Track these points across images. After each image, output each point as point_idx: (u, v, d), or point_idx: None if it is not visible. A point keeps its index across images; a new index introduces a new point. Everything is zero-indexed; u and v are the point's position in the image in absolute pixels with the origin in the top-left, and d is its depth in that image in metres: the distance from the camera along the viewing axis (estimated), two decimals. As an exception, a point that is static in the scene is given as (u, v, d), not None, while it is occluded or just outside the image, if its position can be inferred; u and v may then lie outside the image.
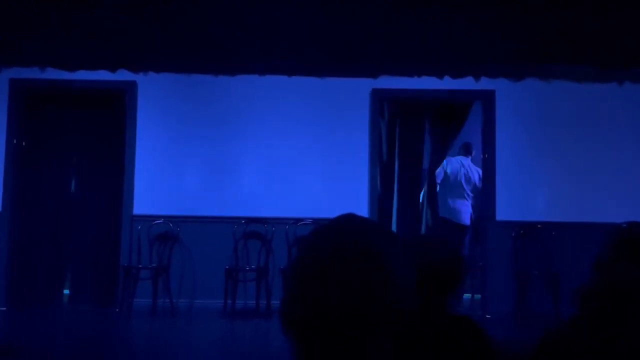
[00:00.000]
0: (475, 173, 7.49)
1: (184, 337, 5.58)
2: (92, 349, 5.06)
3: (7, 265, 6.52)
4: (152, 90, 6.79)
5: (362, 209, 6.57)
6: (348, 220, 0.93)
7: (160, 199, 6.70)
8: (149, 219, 6.64)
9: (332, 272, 0.86)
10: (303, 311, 0.87)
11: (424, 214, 7.42)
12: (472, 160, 7.62)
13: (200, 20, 5.71)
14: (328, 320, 0.85)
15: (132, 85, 6.78)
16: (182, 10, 5.53)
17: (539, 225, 6.64)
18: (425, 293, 1.60)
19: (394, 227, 7.13)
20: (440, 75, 6.78)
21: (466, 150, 7.58)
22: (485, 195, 6.95)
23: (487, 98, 6.85)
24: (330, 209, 5.83)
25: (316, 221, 6.42)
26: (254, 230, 6.72)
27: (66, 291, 7.01)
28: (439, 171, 7.44)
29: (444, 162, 7.48)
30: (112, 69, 6.71)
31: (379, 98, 6.93)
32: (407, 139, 7.31)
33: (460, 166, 7.49)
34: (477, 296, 6.85)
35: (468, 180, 7.48)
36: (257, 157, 6.78)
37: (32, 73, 6.70)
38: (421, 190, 7.49)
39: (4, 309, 6.43)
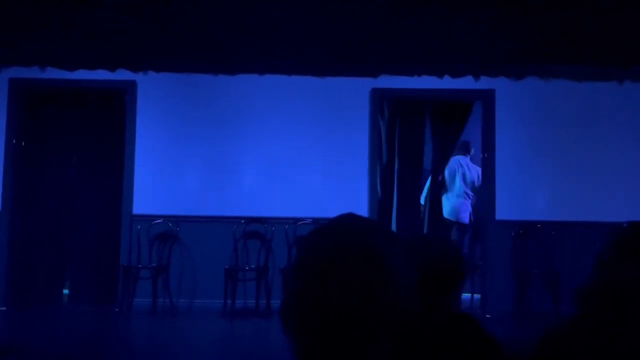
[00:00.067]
0: (474, 172, 7.48)
1: (183, 337, 5.57)
2: (92, 349, 5.06)
3: (7, 265, 6.52)
4: (152, 89, 6.79)
5: (362, 209, 6.57)
6: (348, 220, 0.93)
7: (160, 199, 6.70)
8: (148, 218, 6.64)
9: (332, 272, 0.86)
10: (303, 311, 0.87)
11: (426, 214, 7.42)
12: (471, 159, 7.61)
13: (200, 20, 5.71)
14: (328, 320, 0.85)
15: (132, 84, 6.78)
16: (182, 10, 5.53)
17: (538, 225, 6.64)
18: (426, 293, 1.60)
19: (394, 227, 7.13)
20: (440, 75, 6.78)
21: (464, 149, 7.56)
22: (485, 195, 6.95)
23: (487, 98, 6.85)
24: (330, 209, 5.84)
25: (316, 221, 6.42)
26: (254, 230, 6.72)
27: (66, 291, 7.01)
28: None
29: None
30: (112, 68, 6.70)
31: (379, 97, 6.93)
32: (407, 139, 7.31)
33: (458, 165, 7.48)
34: (477, 296, 6.85)
35: (466, 179, 7.47)
36: (257, 157, 6.78)
37: (32, 73, 6.69)
38: (422, 191, 7.49)
39: (4, 308, 6.43)
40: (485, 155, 6.88)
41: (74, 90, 6.88)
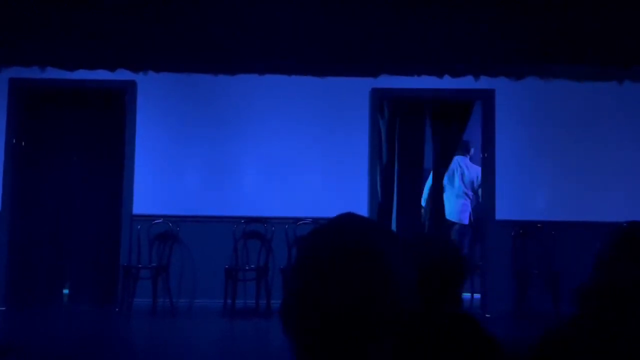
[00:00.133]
0: (473, 172, 7.47)
1: (183, 337, 5.57)
2: (92, 348, 5.06)
3: (7, 265, 6.51)
4: (152, 89, 6.79)
5: (362, 209, 6.56)
6: (348, 219, 0.93)
7: (160, 199, 6.69)
8: (148, 218, 6.64)
9: (332, 272, 0.86)
10: (303, 311, 0.87)
11: (427, 213, 7.41)
12: (471, 159, 7.60)
13: (200, 20, 5.71)
14: (328, 320, 0.85)
15: (132, 84, 6.78)
16: (182, 10, 5.53)
17: (538, 225, 6.64)
18: (426, 293, 1.60)
19: (394, 227, 7.12)
20: (440, 75, 6.78)
21: (463, 149, 7.56)
22: (485, 195, 6.95)
23: (487, 97, 6.85)
24: (330, 209, 5.82)
25: (316, 221, 6.41)
26: (254, 230, 6.71)
27: (66, 291, 7.00)
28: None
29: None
30: (112, 68, 6.70)
31: (379, 97, 6.93)
32: (407, 139, 7.30)
33: (457, 166, 7.48)
34: (477, 296, 6.85)
35: (464, 179, 7.47)
36: (257, 157, 6.78)
37: (32, 73, 6.69)
38: (422, 191, 7.48)
39: (4, 308, 6.43)
40: (485, 155, 6.88)
41: (74, 90, 6.88)
